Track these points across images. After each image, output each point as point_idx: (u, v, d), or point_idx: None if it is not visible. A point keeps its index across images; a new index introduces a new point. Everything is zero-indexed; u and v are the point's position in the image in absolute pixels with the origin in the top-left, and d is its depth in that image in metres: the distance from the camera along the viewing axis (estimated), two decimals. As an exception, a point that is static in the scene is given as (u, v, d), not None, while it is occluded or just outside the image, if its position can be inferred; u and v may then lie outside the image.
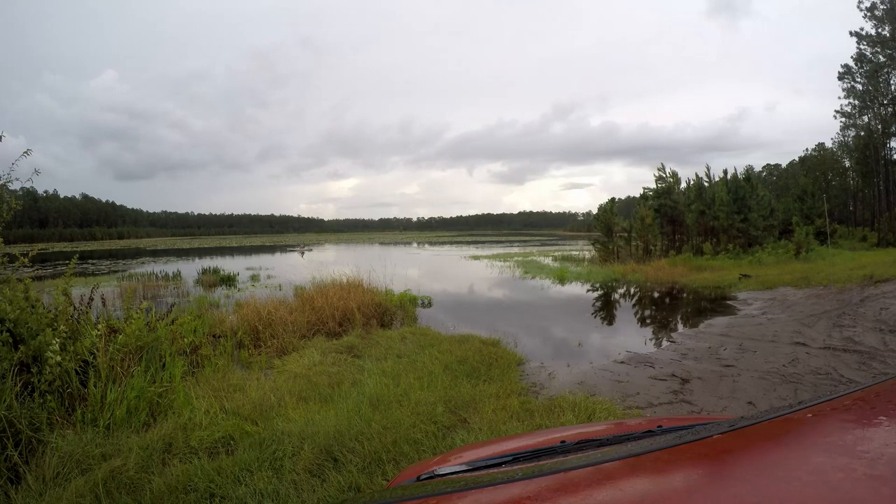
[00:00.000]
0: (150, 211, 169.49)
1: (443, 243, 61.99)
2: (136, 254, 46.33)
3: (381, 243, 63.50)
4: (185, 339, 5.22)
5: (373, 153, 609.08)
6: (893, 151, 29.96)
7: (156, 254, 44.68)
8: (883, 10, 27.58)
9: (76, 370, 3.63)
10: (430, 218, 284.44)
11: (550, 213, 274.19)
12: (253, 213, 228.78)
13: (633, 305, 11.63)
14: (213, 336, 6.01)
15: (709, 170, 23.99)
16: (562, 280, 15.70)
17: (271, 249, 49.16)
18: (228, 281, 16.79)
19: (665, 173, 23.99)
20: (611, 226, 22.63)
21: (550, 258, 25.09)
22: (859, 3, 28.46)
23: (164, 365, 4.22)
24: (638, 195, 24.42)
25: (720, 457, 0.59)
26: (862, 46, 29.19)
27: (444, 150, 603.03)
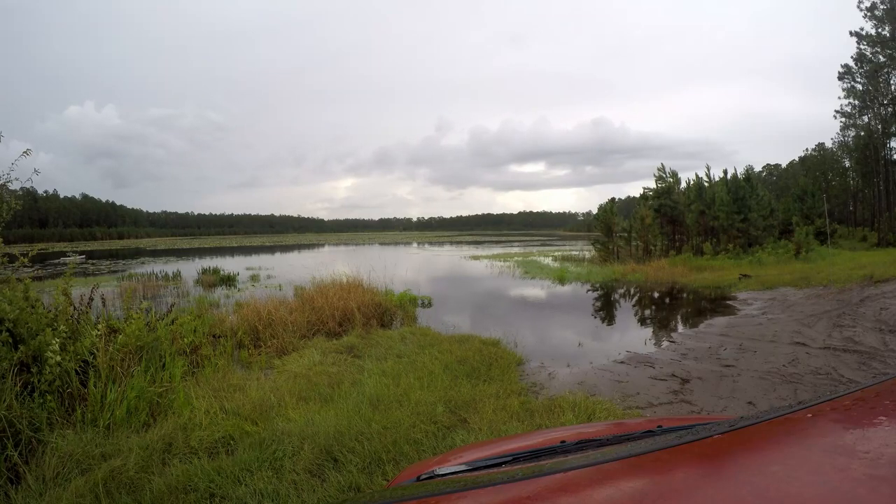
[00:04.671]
0: (150, 211, 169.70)
1: (442, 243, 61.99)
2: (136, 253, 46.31)
3: (381, 243, 63.51)
4: (185, 339, 5.21)
5: (317, 161, 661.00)
6: (893, 151, 29.91)
7: (156, 254, 44.67)
8: (883, 10, 27.56)
9: (76, 370, 3.62)
10: (430, 218, 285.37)
11: (550, 213, 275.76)
12: (253, 214, 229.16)
13: (633, 305, 11.63)
14: (213, 336, 6.01)
15: (709, 170, 24.07)
16: (562, 280, 15.70)
17: (270, 249, 49.18)
18: (228, 281, 16.80)
19: (665, 173, 24.03)
20: (611, 226, 22.64)
21: (550, 258, 25.10)
22: (859, 3, 28.46)
23: (164, 365, 4.21)
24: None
25: (720, 457, 0.59)
26: (862, 46, 29.18)
27: (375, 158, 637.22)
